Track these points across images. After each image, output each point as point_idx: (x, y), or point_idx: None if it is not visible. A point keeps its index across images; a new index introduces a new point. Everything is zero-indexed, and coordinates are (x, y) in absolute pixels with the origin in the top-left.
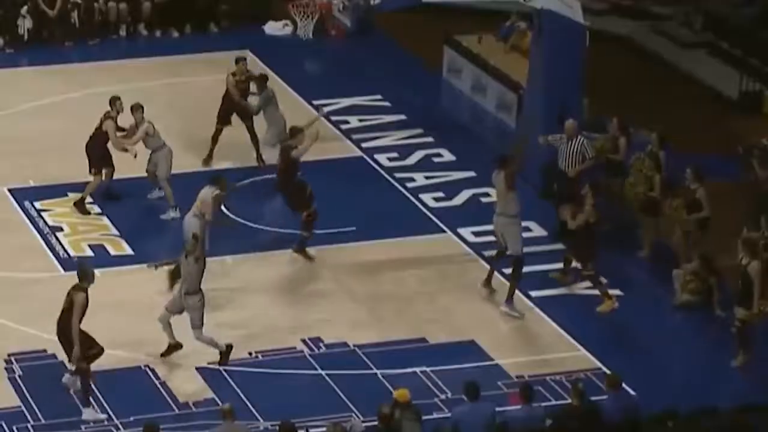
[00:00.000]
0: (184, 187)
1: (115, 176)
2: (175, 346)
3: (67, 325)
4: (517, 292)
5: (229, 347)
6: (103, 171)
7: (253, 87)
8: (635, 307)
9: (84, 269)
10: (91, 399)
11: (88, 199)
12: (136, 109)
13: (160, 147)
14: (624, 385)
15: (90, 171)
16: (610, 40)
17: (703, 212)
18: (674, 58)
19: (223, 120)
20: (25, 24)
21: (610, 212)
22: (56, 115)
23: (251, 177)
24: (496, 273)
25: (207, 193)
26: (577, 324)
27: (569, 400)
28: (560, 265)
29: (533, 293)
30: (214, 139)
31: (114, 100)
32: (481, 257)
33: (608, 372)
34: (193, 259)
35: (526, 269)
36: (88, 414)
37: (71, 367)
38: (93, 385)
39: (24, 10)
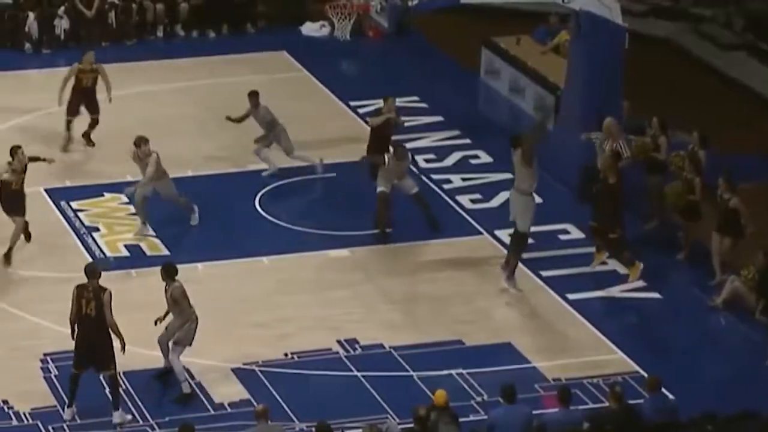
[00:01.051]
0: (219, 187)
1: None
2: (170, 371)
3: (100, 329)
4: (551, 291)
5: (189, 395)
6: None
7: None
8: (674, 310)
9: (95, 266)
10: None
11: (123, 200)
12: (145, 142)
13: (163, 176)
14: (663, 388)
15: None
16: (649, 42)
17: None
18: (714, 59)
19: (72, 111)
20: (62, 24)
21: (650, 212)
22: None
23: (287, 178)
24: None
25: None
26: (615, 326)
27: (607, 403)
28: (597, 268)
29: (570, 296)
30: (67, 128)
31: (14, 150)
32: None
33: (646, 375)
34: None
35: (563, 272)
36: (118, 417)
37: (104, 374)
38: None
39: (61, 10)
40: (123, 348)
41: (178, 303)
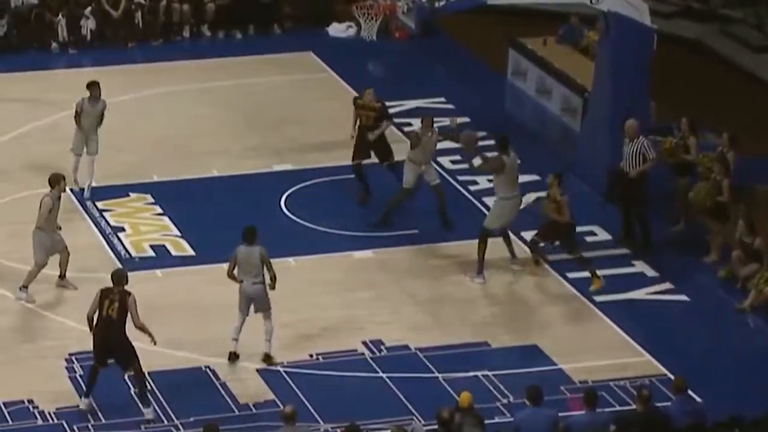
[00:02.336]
0: (244, 188)
1: (185, 176)
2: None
3: (119, 332)
4: (578, 293)
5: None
6: None
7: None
8: (701, 313)
9: (123, 272)
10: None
11: (149, 200)
12: (63, 178)
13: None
14: (689, 391)
15: None
16: (678, 43)
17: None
18: (744, 61)
19: None
20: (88, 25)
21: (677, 213)
22: (118, 115)
23: (311, 178)
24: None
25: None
26: (642, 329)
27: (633, 406)
28: (624, 270)
29: (597, 298)
30: None
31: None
32: (545, 261)
33: (673, 377)
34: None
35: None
36: (150, 413)
37: (128, 373)
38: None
39: (87, 10)
40: (154, 341)
41: None
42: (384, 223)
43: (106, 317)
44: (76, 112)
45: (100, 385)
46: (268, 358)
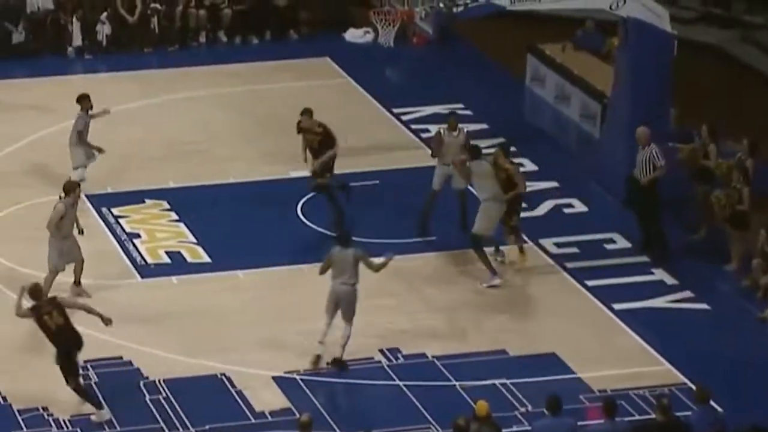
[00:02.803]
0: (260, 194)
1: (202, 182)
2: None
3: (73, 329)
4: (597, 301)
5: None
6: None
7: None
8: (722, 321)
9: (37, 285)
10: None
11: (164, 206)
12: (78, 185)
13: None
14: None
15: None
16: (698, 49)
17: None
18: (766, 67)
19: None
20: (103, 30)
21: (698, 221)
22: (134, 121)
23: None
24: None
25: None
26: (662, 337)
27: (653, 416)
28: (643, 278)
29: (616, 306)
30: None
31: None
32: (563, 268)
33: (694, 387)
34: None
35: (609, 281)
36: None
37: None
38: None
39: (103, 16)
40: (107, 321)
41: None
42: (422, 233)
43: (57, 328)
44: (80, 131)
45: (113, 394)
46: (337, 362)
